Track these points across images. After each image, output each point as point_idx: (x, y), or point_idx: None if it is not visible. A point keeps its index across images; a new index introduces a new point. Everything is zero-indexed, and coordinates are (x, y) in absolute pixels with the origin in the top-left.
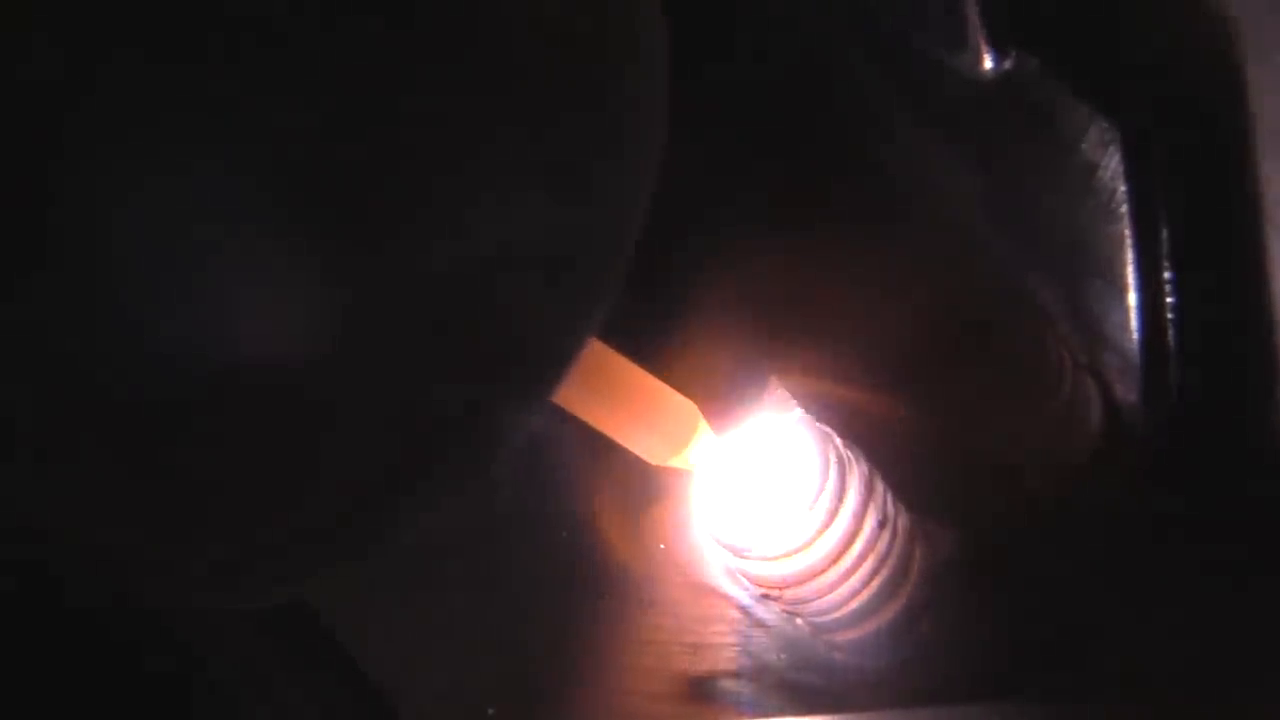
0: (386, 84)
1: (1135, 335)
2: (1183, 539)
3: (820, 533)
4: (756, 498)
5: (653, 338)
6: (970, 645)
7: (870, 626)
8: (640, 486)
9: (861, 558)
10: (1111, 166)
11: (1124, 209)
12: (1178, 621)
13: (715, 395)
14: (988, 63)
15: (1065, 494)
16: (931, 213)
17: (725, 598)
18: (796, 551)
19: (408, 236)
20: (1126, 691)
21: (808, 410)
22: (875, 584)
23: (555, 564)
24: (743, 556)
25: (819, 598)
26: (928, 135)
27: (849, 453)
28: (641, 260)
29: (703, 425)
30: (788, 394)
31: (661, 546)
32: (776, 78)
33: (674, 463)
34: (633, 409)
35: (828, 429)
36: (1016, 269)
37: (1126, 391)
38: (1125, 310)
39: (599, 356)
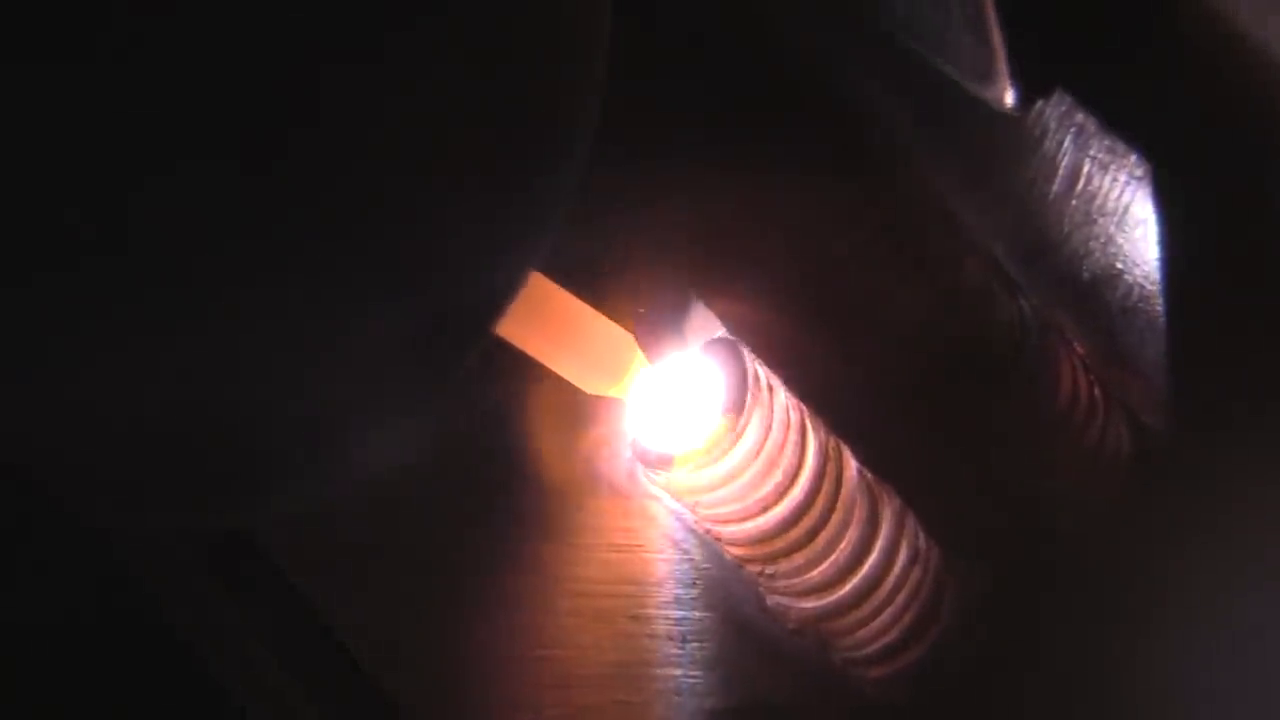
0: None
1: (1170, 370)
2: (1215, 569)
3: (856, 569)
4: (687, 422)
5: (590, 268)
6: (1002, 682)
7: (902, 662)
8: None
9: (893, 593)
10: (1146, 202)
11: (1158, 244)
12: (1211, 654)
13: (651, 326)
14: (1016, 97)
15: (1098, 529)
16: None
17: (755, 630)
18: (835, 587)
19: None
20: None
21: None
22: (907, 619)
23: (558, 574)
24: (666, 472)
25: (851, 633)
26: (954, 167)
27: (882, 488)
28: (581, 192)
29: (639, 355)
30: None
31: (692, 561)
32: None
33: (610, 392)
34: (569, 338)
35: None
36: (1048, 304)
37: (1160, 425)
38: (1160, 345)
39: (536, 286)
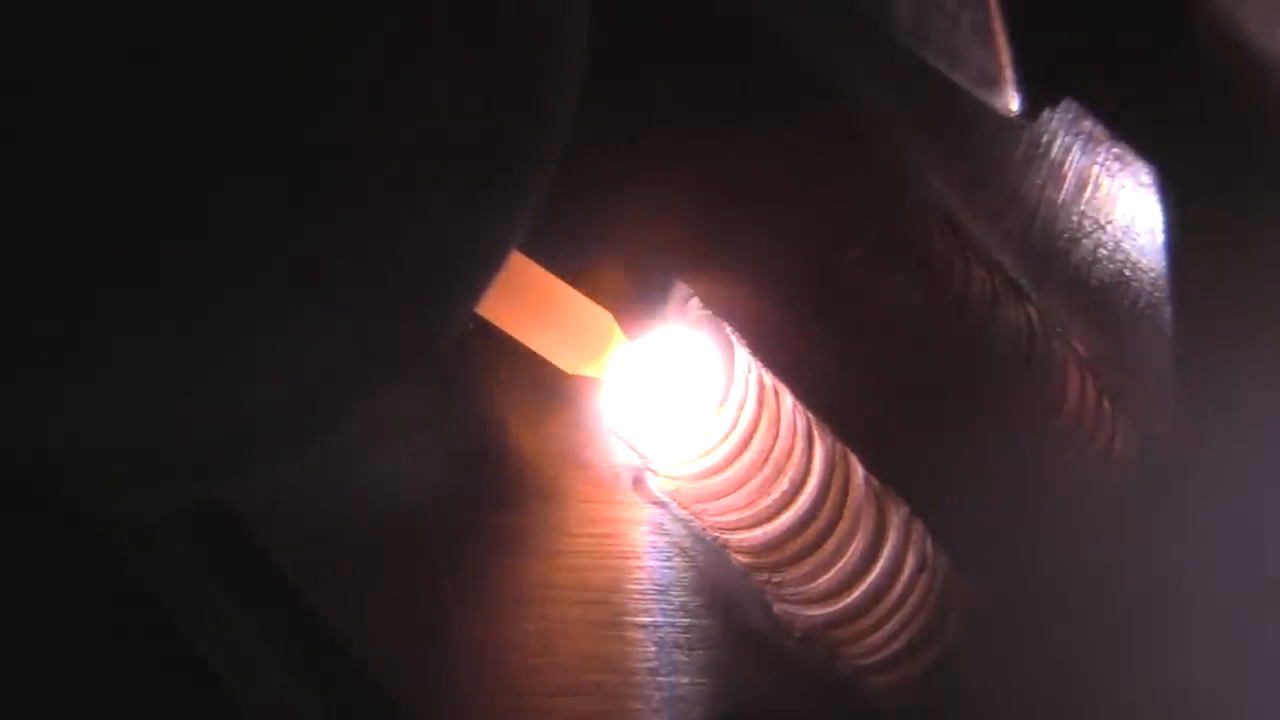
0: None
1: (1177, 377)
2: (1220, 575)
3: (863, 577)
4: (668, 404)
5: (570, 247)
6: (1009, 688)
7: (909, 669)
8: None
9: (901, 600)
10: (1153, 209)
11: (1165, 251)
12: (1215, 659)
13: (631, 305)
14: (1023, 103)
15: (1105, 535)
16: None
17: (762, 637)
18: (843, 594)
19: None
20: None
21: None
22: (914, 627)
23: (564, 581)
24: (649, 463)
25: (858, 640)
26: (961, 173)
27: (889, 495)
28: (561, 170)
29: (618, 334)
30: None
31: (699, 568)
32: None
33: (588, 371)
34: (548, 316)
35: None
36: (1054, 310)
37: (1166, 432)
38: (1167, 352)
39: (516, 265)
